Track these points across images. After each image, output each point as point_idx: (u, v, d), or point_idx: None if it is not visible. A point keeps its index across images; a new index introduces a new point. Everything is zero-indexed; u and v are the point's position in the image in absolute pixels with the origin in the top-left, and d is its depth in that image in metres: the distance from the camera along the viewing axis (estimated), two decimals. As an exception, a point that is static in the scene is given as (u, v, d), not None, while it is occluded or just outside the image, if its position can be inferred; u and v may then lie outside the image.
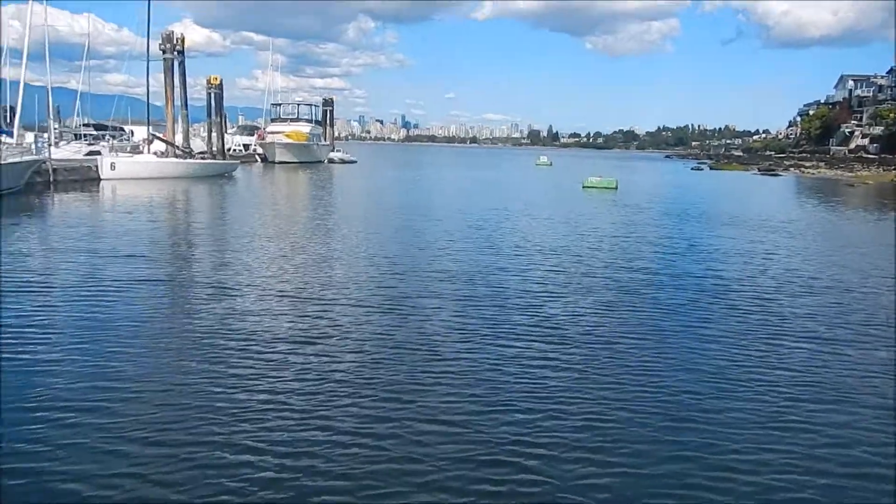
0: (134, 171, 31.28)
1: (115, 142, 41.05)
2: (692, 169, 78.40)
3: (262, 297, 9.93)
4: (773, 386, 6.72)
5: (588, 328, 8.69)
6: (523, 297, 10.38)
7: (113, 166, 30.77)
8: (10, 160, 22.07)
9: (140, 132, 37.50)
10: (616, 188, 35.32)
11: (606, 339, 8.20)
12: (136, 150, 36.98)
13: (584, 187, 35.83)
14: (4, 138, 28.52)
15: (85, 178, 29.40)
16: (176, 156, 35.39)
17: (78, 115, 54.33)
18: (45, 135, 35.29)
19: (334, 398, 6.14)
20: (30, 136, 29.51)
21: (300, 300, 9.77)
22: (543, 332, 8.42)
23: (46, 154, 27.15)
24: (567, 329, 8.62)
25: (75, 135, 45.24)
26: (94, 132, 46.79)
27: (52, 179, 26.67)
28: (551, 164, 77.10)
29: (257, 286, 10.61)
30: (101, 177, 30.24)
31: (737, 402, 6.29)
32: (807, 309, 10.04)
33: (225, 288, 10.37)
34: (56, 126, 52.43)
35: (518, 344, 7.94)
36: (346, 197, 29.52)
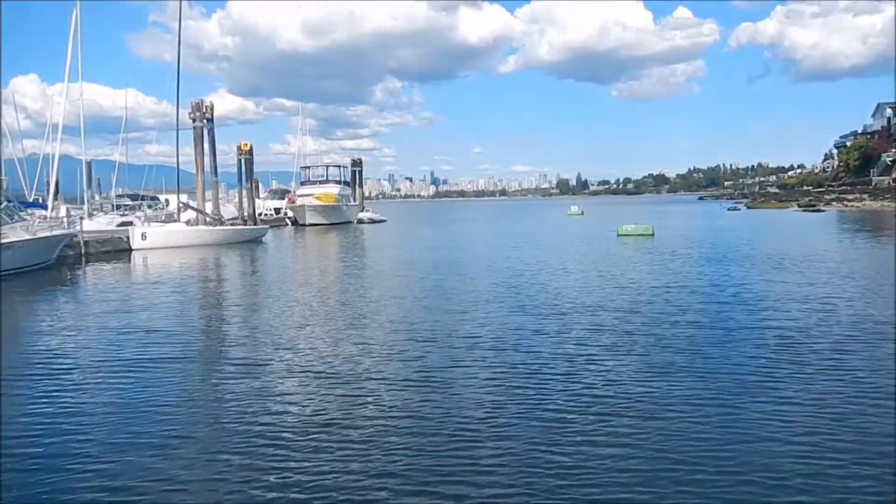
0: (164, 241, 31.30)
1: (150, 211, 41.50)
2: (728, 209, 76.80)
3: (290, 374, 9.28)
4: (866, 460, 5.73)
5: (634, 397, 7.73)
6: (560, 364, 9.45)
7: (144, 236, 30.82)
8: (41, 234, 22.10)
9: (175, 200, 37.83)
10: (653, 234, 34.26)
11: (654, 410, 7.27)
12: (170, 218, 37.26)
13: (618, 235, 34.82)
14: (36, 212, 28.91)
15: (116, 249, 29.44)
16: (206, 223, 35.43)
17: (116, 186, 55.80)
18: (80, 207, 35.85)
19: (364, 481, 5.56)
20: (63, 210, 29.70)
21: (330, 377, 9.05)
22: (583, 405, 7.51)
23: (78, 227, 27.28)
24: (610, 400, 7.69)
25: (114, 205, 46.10)
26: (130, 202, 47.68)
27: (83, 252, 26.69)
28: (583, 214, 76.18)
29: (285, 363, 9.92)
30: (133, 247, 30.27)
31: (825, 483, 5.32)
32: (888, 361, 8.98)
33: (253, 366, 9.69)
34: (97, 197, 54.21)
35: (554, 419, 7.05)
36: (374, 258, 28.98)
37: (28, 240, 21.15)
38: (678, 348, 10.17)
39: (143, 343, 11.44)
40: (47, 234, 22.72)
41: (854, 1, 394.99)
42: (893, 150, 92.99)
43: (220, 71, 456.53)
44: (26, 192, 43.90)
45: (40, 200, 41.91)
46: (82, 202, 45.95)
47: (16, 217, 22.19)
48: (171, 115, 35.59)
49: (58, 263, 24.41)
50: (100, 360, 10.33)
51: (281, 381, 8.97)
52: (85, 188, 38.49)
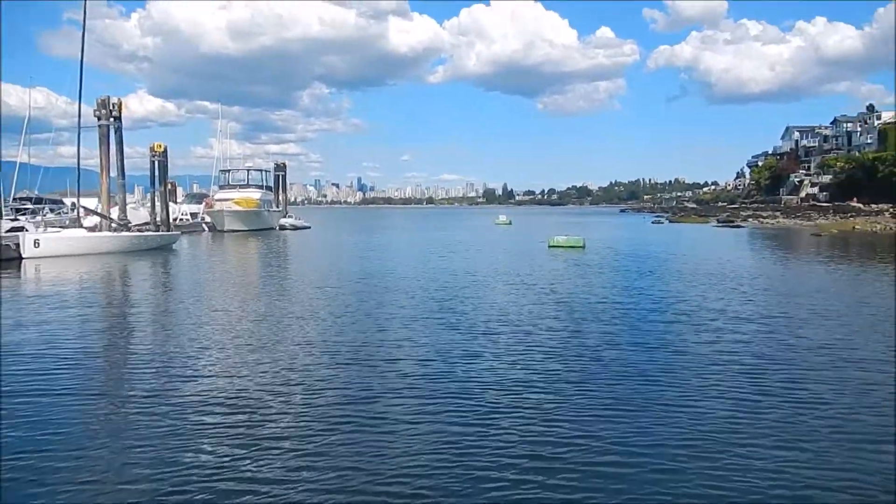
0: (61, 248, 28.48)
1: (51, 216, 38.32)
2: (652, 223, 77.93)
3: (195, 407, 7.88)
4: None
5: (569, 431, 6.67)
6: (497, 389, 8.49)
7: (37, 243, 27.95)
8: None
9: (89, 204, 34.72)
10: (583, 247, 33.61)
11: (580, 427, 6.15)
12: (74, 223, 34.27)
13: (549, 247, 34.08)
14: None
15: (4, 258, 26.51)
16: (111, 229, 32.70)
17: (22, 189, 51.88)
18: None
19: None
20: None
21: (241, 411, 7.77)
22: (523, 437, 6.67)
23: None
24: (554, 432, 6.79)
25: (10, 209, 42.50)
26: (31, 206, 44.21)
27: (-41, 261, 23.83)
28: (510, 223, 75.91)
29: (188, 394, 8.47)
30: (24, 255, 27.40)
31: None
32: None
33: (155, 399, 8.25)
34: None
35: (476, 446, 6.18)
36: (295, 269, 27.13)
37: None
38: (618, 371, 9.39)
39: (24, 372, 9.69)
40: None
41: (763, 31, 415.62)
42: (801, 172, 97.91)
43: (139, 72, 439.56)
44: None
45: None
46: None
47: None
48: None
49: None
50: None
51: (185, 415, 7.60)
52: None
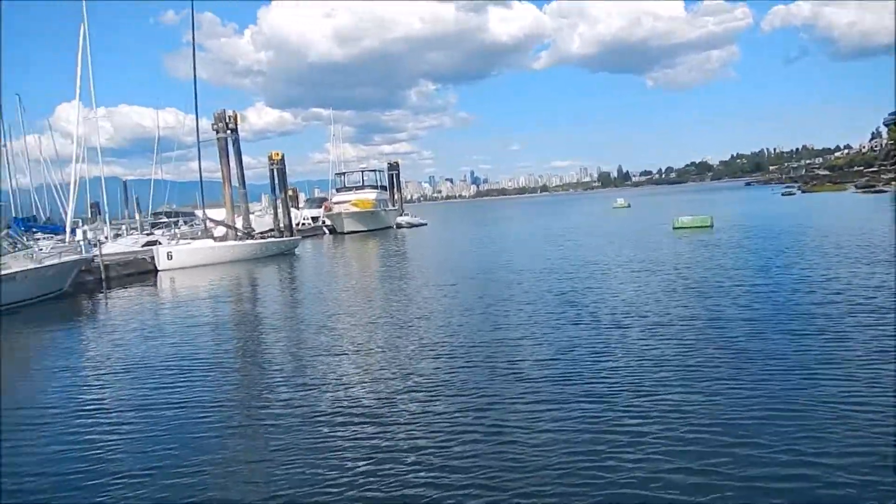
0: (191, 259, 29.81)
1: (185, 228, 40.30)
2: (782, 195, 72.83)
3: (327, 414, 7.78)
4: None
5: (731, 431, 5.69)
6: (629, 391, 7.72)
7: (170, 256, 29.38)
8: (49, 262, 20.58)
9: (217, 215, 36.33)
10: (711, 226, 31.58)
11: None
12: (205, 234, 35.92)
13: (674, 228, 32.24)
14: (51, 238, 27.66)
15: (140, 271, 27.99)
16: (236, 238, 33.93)
17: (163, 204, 55.45)
18: (101, 229, 34.78)
19: None
20: (80, 233, 28.43)
21: (381, 417, 7.55)
22: (664, 445, 5.74)
23: (96, 250, 25.91)
24: (702, 439, 5.91)
25: (150, 223, 45.26)
26: (166, 219, 46.79)
27: (103, 276, 25.26)
28: (629, 206, 73.19)
29: (316, 401, 8.35)
30: (158, 268, 28.85)
31: None
32: None
33: (295, 408, 8.14)
34: (137, 216, 53.94)
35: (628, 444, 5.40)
36: (412, 266, 27.00)
37: (33, 269, 19.62)
38: (769, 365, 8.30)
39: (165, 380, 10.07)
40: (55, 260, 21.16)
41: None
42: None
43: (255, 85, 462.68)
44: (64, 217, 43.14)
45: (79, 223, 41.30)
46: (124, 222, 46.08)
47: (19, 245, 20.67)
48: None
49: (75, 291, 23.03)
50: (115, 402, 9.16)
51: (315, 423, 7.51)
52: (101, 210, 37.51)
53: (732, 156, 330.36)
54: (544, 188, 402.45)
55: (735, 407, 7.01)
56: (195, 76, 34.21)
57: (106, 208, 36.51)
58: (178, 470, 6.42)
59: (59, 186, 47.89)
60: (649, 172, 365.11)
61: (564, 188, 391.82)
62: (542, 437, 6.60)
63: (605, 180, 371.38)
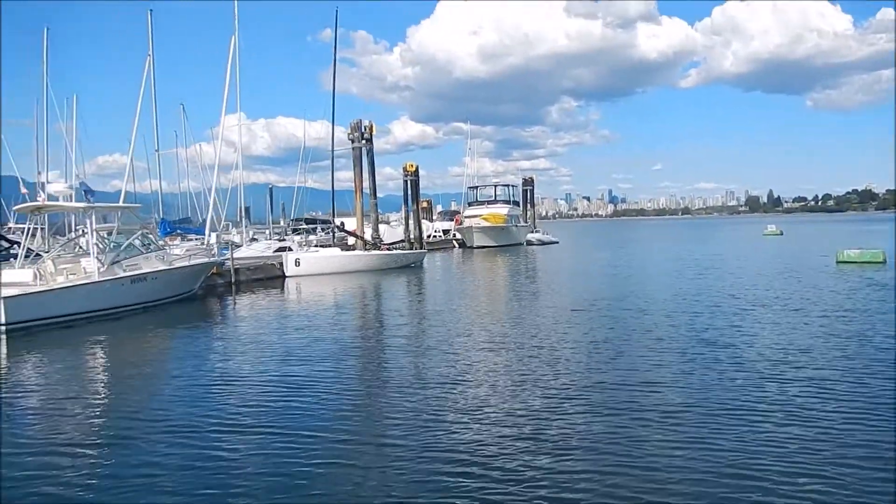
0: (318, 267, 30.03)
1: (322, 235, 41.09)
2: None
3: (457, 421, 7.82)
4: None
5: None
6: (787, 478, 5.85)
7: (298, 262, 29.72)
8: (178, 264, 21.04)
9: (351, 224, 36.92)
10: (884, 262, 27.79)
11: None
12: (340, 242, 36.43)
13: (838, 262, 28.72)
14: (171, 242, 28.66)
15: (269, 277, 28.48)
16: (366, 247, 33.93)
17: (307, 211, 57.72)
18: (237, 234, 35.97)
19: None
20: (213, 237, 29.33)
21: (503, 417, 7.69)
22: None
23: (228, 254, 26.55)
24: None
25: (293, 230, 46.81)
26: (305, 226, 48.15)
27: (233, 280, 25.75)
28: (781, 233, 67.52)
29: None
30: (286, 274, 29.24)
31: None
32: None
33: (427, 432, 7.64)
34: (282, 222, 56.46)
35: None
36: (538, 287, 25.51)
37: (163, 270, 20.05)
38: None
39: (290, 390, 9.82)
40: (184, 263, 21.62)
41: None
42: None
43: (401, 100, 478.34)
44: (216, 221, 45.31)
45: (228, 227, 43.28)
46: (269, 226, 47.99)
47: (152, 246, 21.24)
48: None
49: (206, 293, 23.55)
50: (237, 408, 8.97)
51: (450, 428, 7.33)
52: (241, 215, 38.84)
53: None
54: (686, 210, 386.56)
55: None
56: (334, 87, 35.08)
57: (243, 214, 37.83)
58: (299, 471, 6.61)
59: (222, 191, 50.80)
60: (803, 199, 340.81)
61: (708, 212, 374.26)
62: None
63: (753, 205, 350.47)
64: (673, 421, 7.83)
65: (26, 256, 18.45)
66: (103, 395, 10.33)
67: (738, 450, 6.83)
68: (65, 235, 27.34)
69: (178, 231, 35.31)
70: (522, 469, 6.53)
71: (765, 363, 10.65)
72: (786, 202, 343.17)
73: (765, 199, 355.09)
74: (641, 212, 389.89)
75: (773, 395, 8.81)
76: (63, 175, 37.66)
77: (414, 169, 49.06)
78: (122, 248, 19.52)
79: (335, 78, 35.26)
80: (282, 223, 56.68)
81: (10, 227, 31.55)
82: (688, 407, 8.39)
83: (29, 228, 20.09)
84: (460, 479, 6.27)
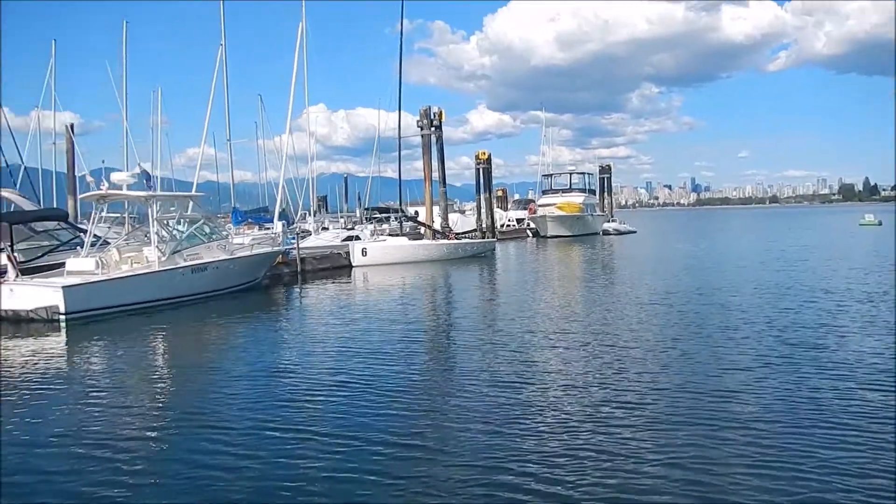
0: (384, 256, 29.68)
1: (395, 224, 40.91)
2: None
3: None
4: None
5: None
6: None
7: (364, 252, 29.44)
8: (240, 254, 20.86)
9: (424, 213, 36.62)
10: None
11: None
12: (414, 231, 36.14)
13: (947, 256, 26.28)
14: (247, 231, 28.77)
15: (336, 266, 28.28)
16: (434, 237, 33.34)
17: (385, 201, 58.05)
18: (305, 221, 36.04)
19: None
20: (279, 226, 29.32)
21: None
22: None
23: (294, 243, 26.45)
24: None
25: (367, 218, 46.98)
26: (378, 215, 48.12)
27: (299, 270, 25.60)
28: (880, 223, 62.91)
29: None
30: (353, 263, 28.99)
31: None
32: None
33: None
34: (357, 211, 56.83)
35: None
36: (612, 279, 24.34)
37: (224, 260, 19.91)
38: None
39: (351, 388, 9.38)
40: (247, 252, 21.43)
41: None
42: None
43: (478, 89, 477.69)
44: (292, 209, 45.64)
45: (305, 216, 43.76)
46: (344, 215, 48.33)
47: (215, 235, 21.12)
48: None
49: (272, 282, 23.48)
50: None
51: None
52: (312, 204, 38.77)
53: None
54: (774, 199, 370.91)
55: None
56: (400, 75, 34.88)
57: (315, 203, 37.94)
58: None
59: (301, 180, 51.52)
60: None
61: (798, 200, 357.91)
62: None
63: (847, 193, 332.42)
64: (749, 438, 6.80)
65: (93, 245, 18.61)
66: (154, 388, 10.07)
67: (826, 477, 5.77)
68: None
69: (251, 220, 35.64)
70: (586, 484, 5.79)
71: (865, 369, 9.38)
72: (884, 190, 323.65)
73: (860, 188, 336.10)
74: (726, 200, 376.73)
75: (877, 409, 7.62)
76: (153, 166, 38.86)
77: (486, 157, 48.25)
78: (184, 237, 19.48)
79: (401, 66, 34.88)
80: (357, 212, 56.94)
81: (102, 216, 32.53)
82: (768, 422, 7.33)
83: (95, 216, 20.32)
84: (521, 496, 5.69)
